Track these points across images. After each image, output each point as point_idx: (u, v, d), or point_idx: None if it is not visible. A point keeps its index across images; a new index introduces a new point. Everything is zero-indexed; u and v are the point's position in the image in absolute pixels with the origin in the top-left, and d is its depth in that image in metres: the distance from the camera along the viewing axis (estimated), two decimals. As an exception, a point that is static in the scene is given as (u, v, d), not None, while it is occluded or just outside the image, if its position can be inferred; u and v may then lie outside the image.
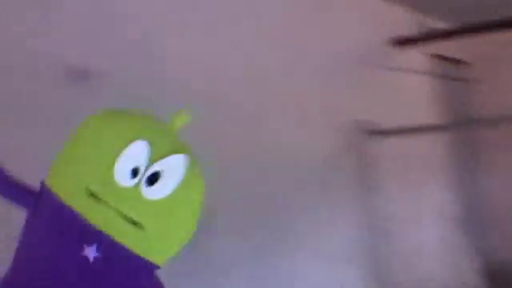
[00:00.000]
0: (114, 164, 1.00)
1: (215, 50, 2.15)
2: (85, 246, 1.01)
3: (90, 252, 1.01)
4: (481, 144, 3.44)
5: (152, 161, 1.01)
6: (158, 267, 1.09)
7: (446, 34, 3.01)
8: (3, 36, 1.57)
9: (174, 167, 1.03)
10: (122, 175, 1.00)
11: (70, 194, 1.02)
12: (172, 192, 1.03)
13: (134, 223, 1.02)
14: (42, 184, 1.07)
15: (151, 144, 1.02)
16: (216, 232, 1.99)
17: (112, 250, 1.02)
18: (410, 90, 3.10)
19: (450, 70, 3.35)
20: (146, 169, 1.01)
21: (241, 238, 2.11)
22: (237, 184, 2.11)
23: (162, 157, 1.02)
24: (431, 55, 3.15)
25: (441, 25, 3.22)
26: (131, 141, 1.01)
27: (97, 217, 1.01)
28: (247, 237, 2.15)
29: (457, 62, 3.40)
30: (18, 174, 1.11)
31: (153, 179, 1.02)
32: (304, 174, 2.41)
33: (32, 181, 1.10)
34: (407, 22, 3.04)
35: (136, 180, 1.01)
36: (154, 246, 1.06)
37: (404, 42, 2.88)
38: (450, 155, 3.32)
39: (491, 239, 3.30)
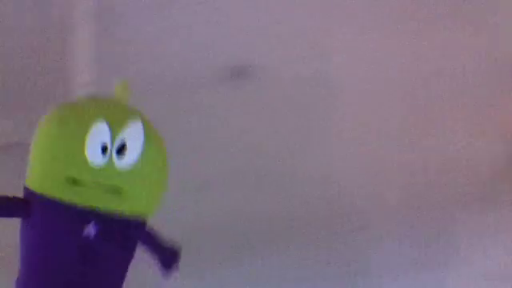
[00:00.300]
0: (84, 150, 1.15)
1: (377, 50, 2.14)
2: (83, 226, 1.18)
3: (90, 230, 1.18)
4: None
5: (115, 135, 1.17)
6: (146, 220, 1.27)
7: None
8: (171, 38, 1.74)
9: (134, 134, 1.19)
10: (93, 157, 1.16)
11: (53, 187, 1.17)
12: (140, 154, 1.19)
13: (116, 191, 1.19)
14: (25, 188, 1.21)
15: (108, 121, 1.17)
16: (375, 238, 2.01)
17: (106, 219, 1.19)
18: None
19: None
20: (112, 144, 1.17)
21: (404, 246, 2.12)
22: (403, 194, 2.11)
23: (121, 128, 1.18)
24: None
25: None
26: (90, 125, 1.16)
27: (83, 198, 1.17)
28: (407, 245, 2.16)
29: None
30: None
31: (121, 150, 1.18)
32: (467, 186, 2.35)
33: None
34: None
35: (107, 156, 1.17)
36: (138, 203, 1.23)
37: None
38: None
39: None
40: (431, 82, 2.32)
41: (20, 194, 1.22)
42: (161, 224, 1.82)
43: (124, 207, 1.22)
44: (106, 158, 1.18)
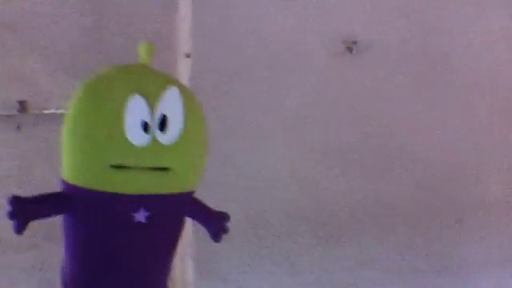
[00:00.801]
0: (123, 130, 1.02)
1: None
2: (132, 214, 1.07)
3: (140, 216, 1.07)
4: None
5: (153, 108, 1.04)
6: (194, 191, 1.17)
7: None
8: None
9: (172, 103, 1.07)
10: (136, 137, 1.03)
11: (96, 178, 1.04)
12: (182, 125, 1.07)
13: (164, 169, 1.07)
14: (62, 181, 1.07)
15: (143, 93, 1.04)
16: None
17: (155, 203, 1.08)
18: None
19: None
20: (153, 119, 1.04)
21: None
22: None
23: (158, 99, 1.05)
24: None
25: None
26: (125, 101, 1.03)
27: (130, 186, 1.05)
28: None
29: None
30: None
31: (162, 124, 1.05)
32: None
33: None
34: None
35: (149, 134, 1.04)
36: (186, 178, 1.12)
37: None
38: None
39: None
40: None
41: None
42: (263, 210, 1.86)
43: (173, 187, 1.11)
44: (149, 136, 1.04)
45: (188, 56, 1.38)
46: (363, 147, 1.75)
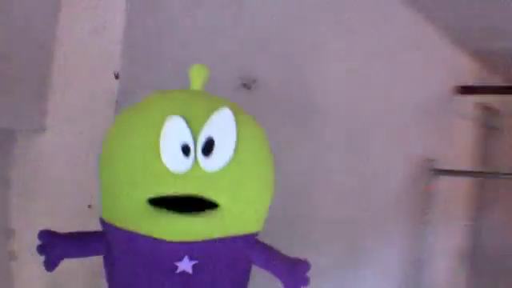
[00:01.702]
0: (159, 155, 0.86)
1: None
2: (176, 263, 0.89)
3: (185, 265, 0.90)
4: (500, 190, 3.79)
5: (196, 131, 0.87)
6: (256, 234, 0.97)
7: (498, 89, 3.32)
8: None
9: (222, 126, 0.89)
10: (173, 161, 0.86)
11: (129, 217, 0.89)
12: (234, 151, 0.89)
13: (212, 208, 0.88)
14: (101, 221, 0.94)
15: (184, 115, 0.87)
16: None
17: (205, 249, 0.90)
18: (461, 135, 3.39)
19: (491, 119, 3.66)
20: (195, 141, 0.87)
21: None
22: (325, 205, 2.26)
23: (204, 121, 0.88)
24: (477, 104, 3.44)
25: (496, 78, 3.52)
26: (161, 125, 0.87)
27: (170, 229, 0.87)
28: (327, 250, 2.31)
29: (496, 112, 3.71)
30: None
31: (208, 147, 0.87)
32: (379, 200, 2.60)
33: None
34: (468, 72, 3.32)
35: (191, 157, 0.86)
36: (240, 217, 0.92)
37: (464, 91, 3.15)
38: (471, 196, 3.64)
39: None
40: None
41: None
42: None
43: (224, 229, 0.90)
44: (190, 161, 0.86)
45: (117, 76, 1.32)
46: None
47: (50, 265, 0.89)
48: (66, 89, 1.37)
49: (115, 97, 1.31)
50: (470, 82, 3.28)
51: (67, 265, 0.95)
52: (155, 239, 0.87)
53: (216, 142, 0.87)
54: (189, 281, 0.91)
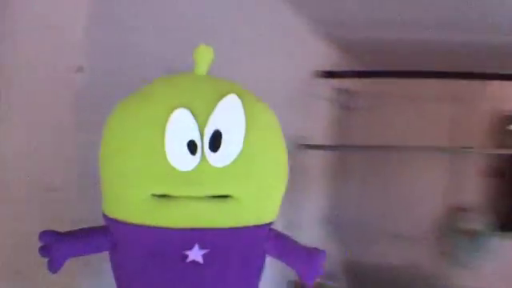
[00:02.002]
0: (164, 153, 0.80)
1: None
2: (186, 252, 0.85)
3: (195, 254, 0.86)
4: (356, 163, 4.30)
5: (202, 123, 0.81)
6: (270, 223, 0.93)
7: (355, 74, 3.77)
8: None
9: (229, 116, 0.83)
10: (179, 159, 0.80)
11: (136, 211, 0.84)
12: (243, 144, 0.83)
13: (224, 197, 0.84)
14: (104, 215, 0.90)
15: (189, 106, 0.81)
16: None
17: (216, 238, 0.86)
18: (321, 114, 3.80)
19: (347, 100, 4.12)
20: (201, 136, 0.81)
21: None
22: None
23: (211, 110, 0.81)
24: (334, 87, 3.87)
25: (354, 64, 3.96)
26: (166, 118, 0.80)
27: (178, 216, 0.83)
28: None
29: (353, 94, 4.17)
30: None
31: (216, 142, 0.81)
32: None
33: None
34: (329, 59, 3.72)
35: (198, 154, 0.81)
36: (253, 207, 0.88)
37: (324, 75, 3.55)
38: (332, 169, 4.11)
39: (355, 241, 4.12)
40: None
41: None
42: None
43: (236, 219, 0.86)
44: (197, 158, 0.81)
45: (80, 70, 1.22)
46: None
47: (56, 265, 0.86)
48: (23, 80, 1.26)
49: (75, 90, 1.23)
50: (330, 67, 3.68)
51: (67, 264, 0.90)
52: (163, 228, 0.84)
53: (223, 136, 0.82)
54: (199, 271, 0.87)
